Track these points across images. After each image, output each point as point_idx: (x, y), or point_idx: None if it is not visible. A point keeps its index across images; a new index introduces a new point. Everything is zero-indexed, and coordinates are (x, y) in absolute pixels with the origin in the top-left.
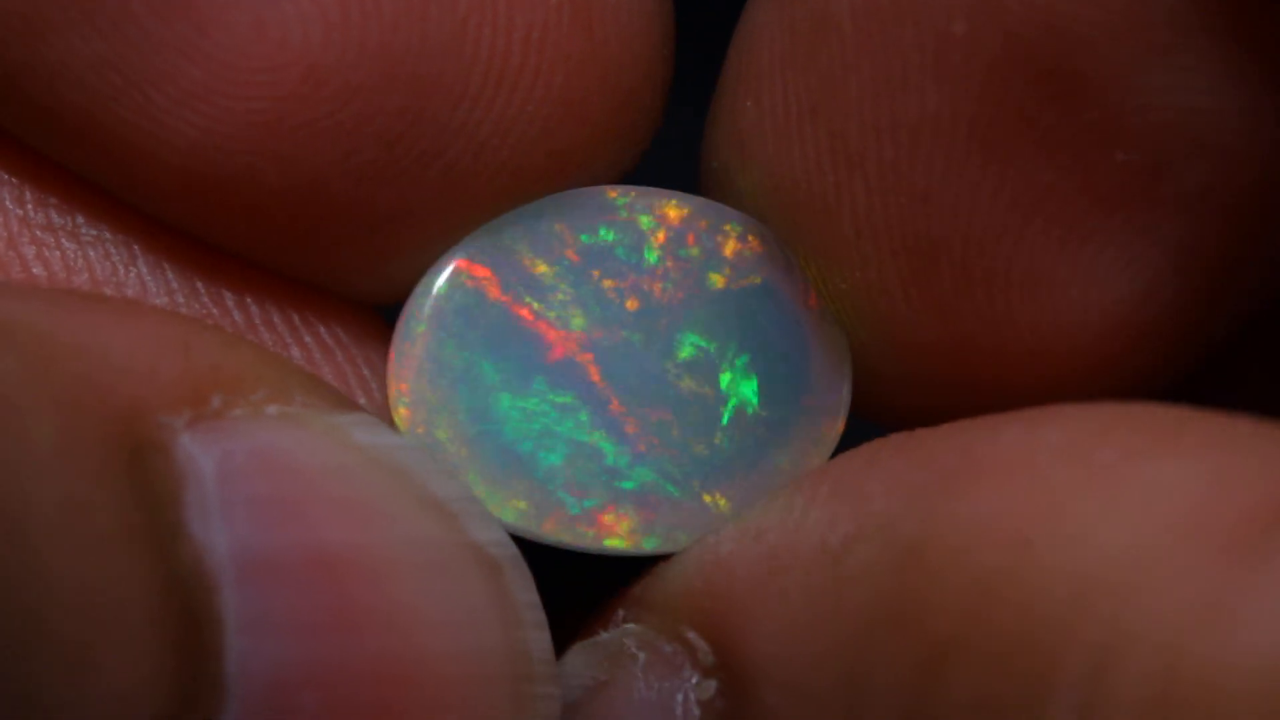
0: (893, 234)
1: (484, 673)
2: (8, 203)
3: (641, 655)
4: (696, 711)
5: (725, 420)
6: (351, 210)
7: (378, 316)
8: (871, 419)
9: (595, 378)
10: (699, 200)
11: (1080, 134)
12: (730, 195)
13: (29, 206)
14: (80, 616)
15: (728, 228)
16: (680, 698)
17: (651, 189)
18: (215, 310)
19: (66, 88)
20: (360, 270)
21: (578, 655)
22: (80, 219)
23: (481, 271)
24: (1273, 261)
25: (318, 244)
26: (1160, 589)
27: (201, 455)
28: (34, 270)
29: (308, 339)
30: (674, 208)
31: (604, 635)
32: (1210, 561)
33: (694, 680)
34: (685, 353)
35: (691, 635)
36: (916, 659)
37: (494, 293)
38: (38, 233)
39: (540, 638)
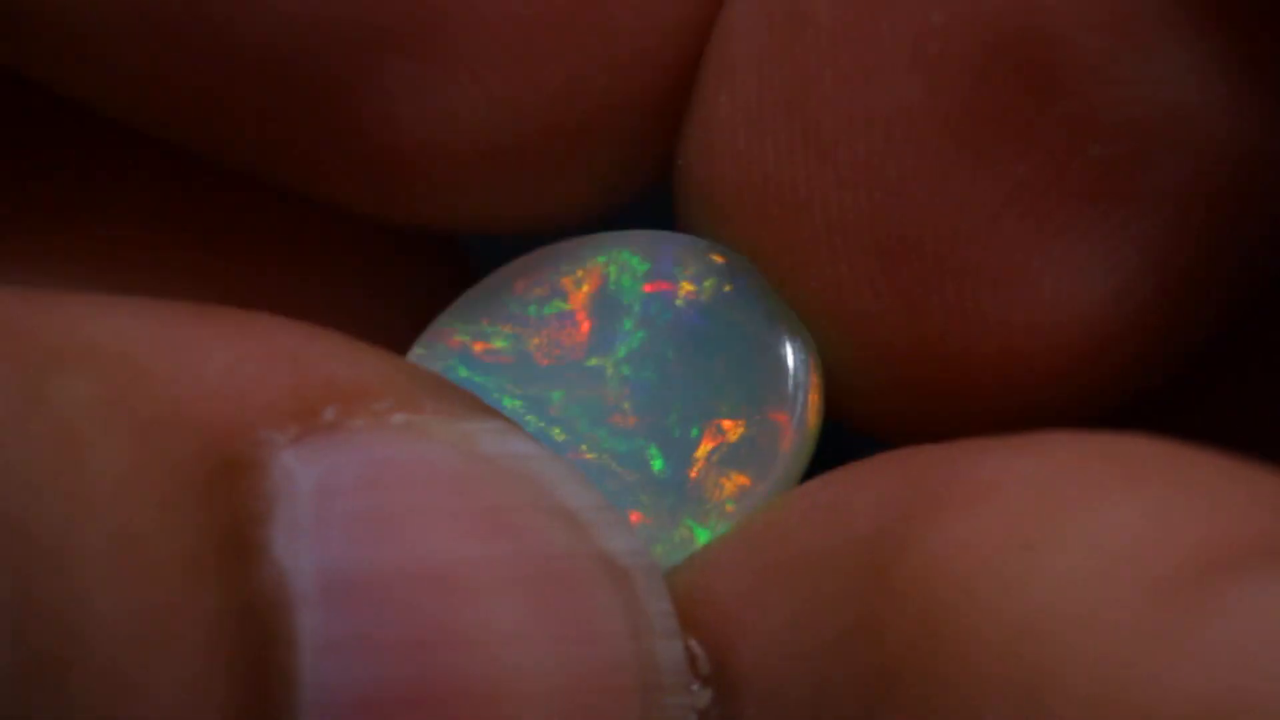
0: (864, 229)
1: (611, 685)
2: None
3: None
4: (694, 719)
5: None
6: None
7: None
8: (844, 420)
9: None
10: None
11: (1056, 127)
12: (698, 192)
13: None
14: (118, 654)
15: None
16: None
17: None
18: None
19: None
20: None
21: None
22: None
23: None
24: (1252, 264)
25: (302, 105)
26: (1097, 620)
27: (302, 471)
28: None
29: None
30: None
31: None
32: (1150, 597)
33: (694, 688)
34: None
35: (692, 642)
36: (866, 687)
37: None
38: None
39: (671, 647)
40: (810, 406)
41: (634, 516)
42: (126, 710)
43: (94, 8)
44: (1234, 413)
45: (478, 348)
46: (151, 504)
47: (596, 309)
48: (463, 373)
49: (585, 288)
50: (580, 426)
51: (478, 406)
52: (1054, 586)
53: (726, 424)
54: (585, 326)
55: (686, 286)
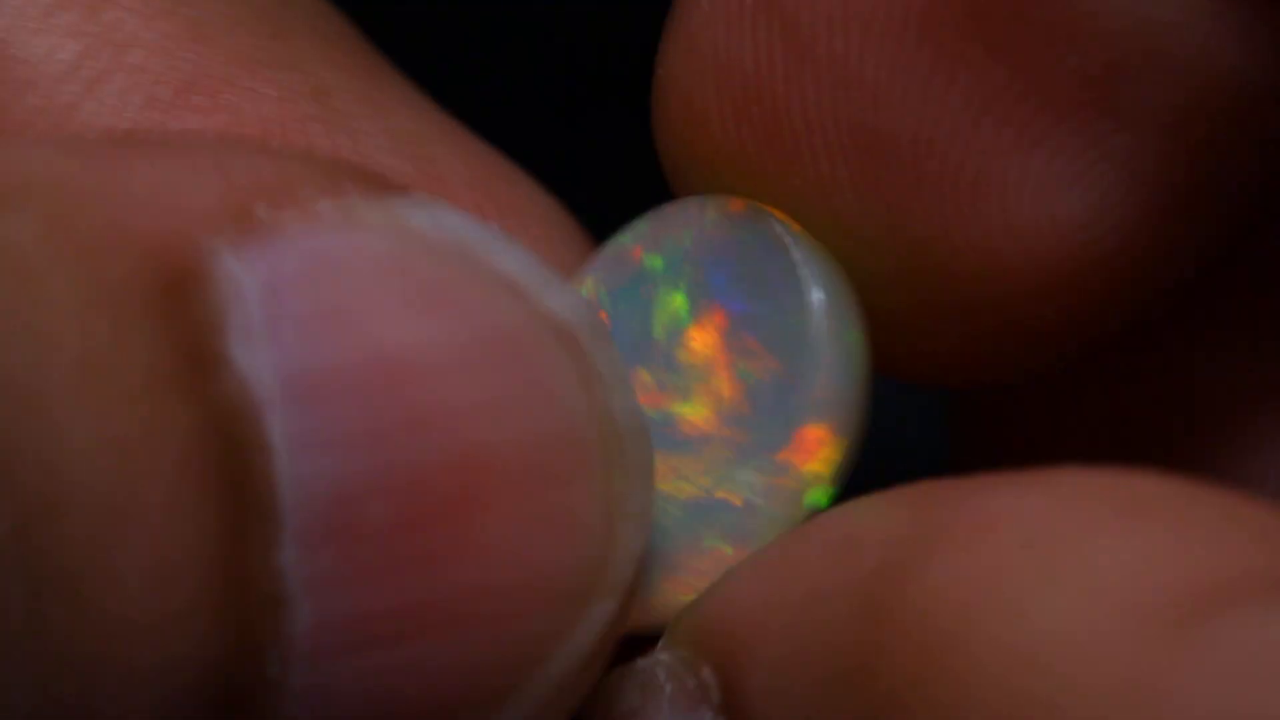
0: (842, 129)
1: (572, 443)
2: None
3: (668, 687)
4: None
5: None
6: None
7: None
8: None
9: None
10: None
11: (1034, 35)
12: (680, 100)
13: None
14: (103, 482)
15: None
16: None
17: None
18: None
19: None
20: None
21: (616, 679)
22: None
23: None
24: (1239, 189)
25: None
26: (1088, 664)
27: (246, 274)
28: None
29: None
30: None
31: (640, 662)
32: (1140, 636)
33: (707, 717)
34: None
35: (706, 672)
36: (870, 711)
37: None
38: None
39: (624, 397)
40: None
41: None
42: (116, 542)
43: None
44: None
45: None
46: (107, 327)
47: None
48: None
49: None
50: None
51: (400, 186)
52: (1051, 621)
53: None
54: None
55: None
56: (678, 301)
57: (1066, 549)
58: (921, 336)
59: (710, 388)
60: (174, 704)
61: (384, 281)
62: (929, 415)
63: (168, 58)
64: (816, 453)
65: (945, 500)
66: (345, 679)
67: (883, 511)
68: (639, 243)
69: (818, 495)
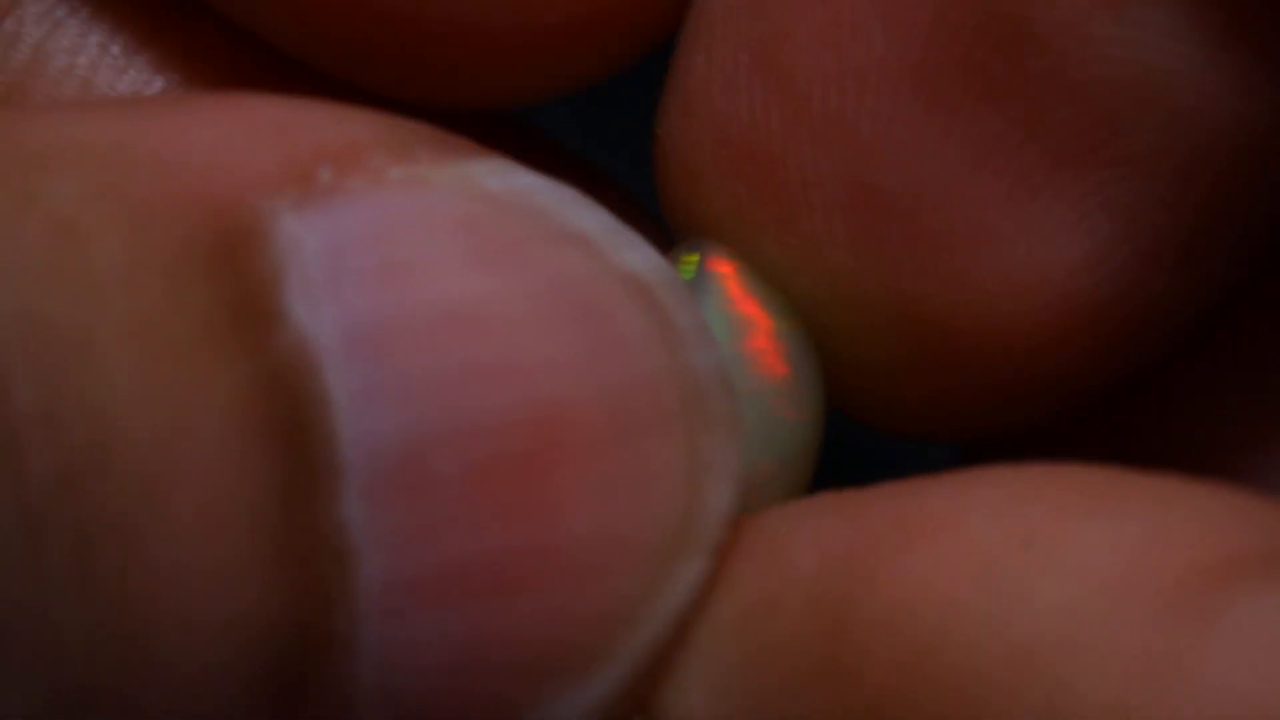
0: (839, 184)
1: (652, 399)
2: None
3: None
4: None
5: None
6: None
7: None
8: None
9: None
10: None
11: (1028, 85)
12: (678, 158)
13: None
14: (151, 431)
15: None
16: None
17: None
18: None
19: None
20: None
21: None
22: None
23: None
24: (1237, 237)
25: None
26: (1103, 648)
27: (307, 233)
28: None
29: None
30: None
31: None
32: (1154, 618)
33: None
34: None
35: None
36: (851, 710)
37: None
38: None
39: (708, 354)
40: None
41: None
42: (168, 489)
43: None
44: (1229, 391)
45: None
46: (159, 286)
47: None
48: None
49: None
50: None
51: (473, 149)
52: (1045, 617)
53: None
54: None
55: None
56: None
57: (1049, 535)
58: (917, 391)
59: None
60: (238, 658)
61: (452, 237)
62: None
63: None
64: None
65: (874, 504)
66: (418, 637)
67: (802, 521)
68: None
69: None
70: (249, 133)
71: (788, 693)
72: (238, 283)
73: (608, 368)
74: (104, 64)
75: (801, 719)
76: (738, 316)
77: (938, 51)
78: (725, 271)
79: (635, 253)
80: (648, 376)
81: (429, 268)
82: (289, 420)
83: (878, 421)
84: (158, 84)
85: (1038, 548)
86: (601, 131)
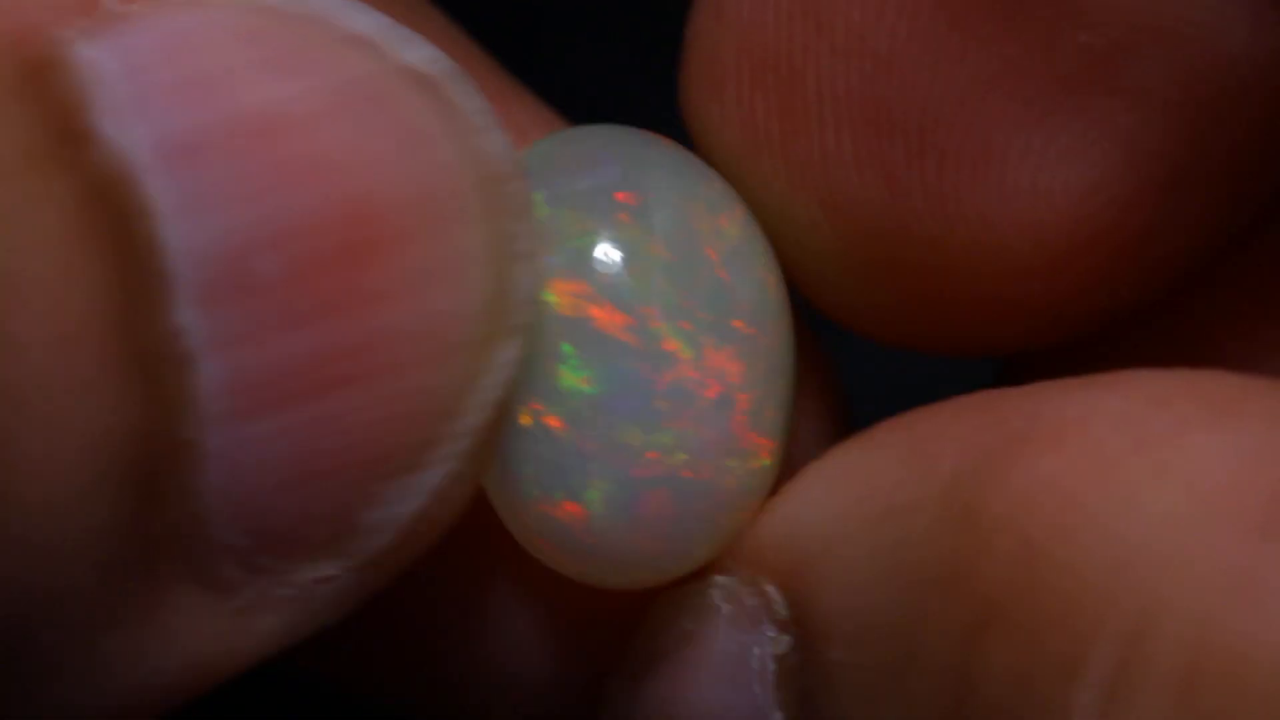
0: (853, 101)
1: (448, 186)
2: None
3: (725, 608)
4: (772, 665)
5: None
6: None
7: None
8: (826, 312)
9: None
10: None
11: (1044, 10)
12: (704, 60)
13: None
14: None
15: None
16: (756, 651)
17: None
18: None
19: None
20: None
21: (663, 606)
22: None
23: None
24: (1241, 174)
25: None
26: (1195, 560)
27: (106, 57)
28: None
29: None
30: None
31: (690, 587)
32: (1245, 534)
33: (771, 634)
34: None
35: (770, 589)
36: (961, 625)
37: None
38: None
39: (496, 138)
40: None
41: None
42: (9, 309)
43: None
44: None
45: None
46: None
47: None
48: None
49: None
50: None
51: None
52: (1150, 525)
53: None
54: None
55: None
56: None
57: (1158, 452)
58: (921, 306)
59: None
60: (95, 468)
61: (240, 48)
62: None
63: None
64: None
65: (1018, 405)
66: (261, 437)
67: (948, 420)
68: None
69: None
70: None
71: (914, 591)
72: (49, 109)
73: (405, 159)
74: None
75: (923, 619)
76: None
77: None
78: None
79: (416, 48)
80: (444, 165)
81: (224, 79)
82: (117, 233)
83: (873, 336)
84: None
85: (1153, 456)
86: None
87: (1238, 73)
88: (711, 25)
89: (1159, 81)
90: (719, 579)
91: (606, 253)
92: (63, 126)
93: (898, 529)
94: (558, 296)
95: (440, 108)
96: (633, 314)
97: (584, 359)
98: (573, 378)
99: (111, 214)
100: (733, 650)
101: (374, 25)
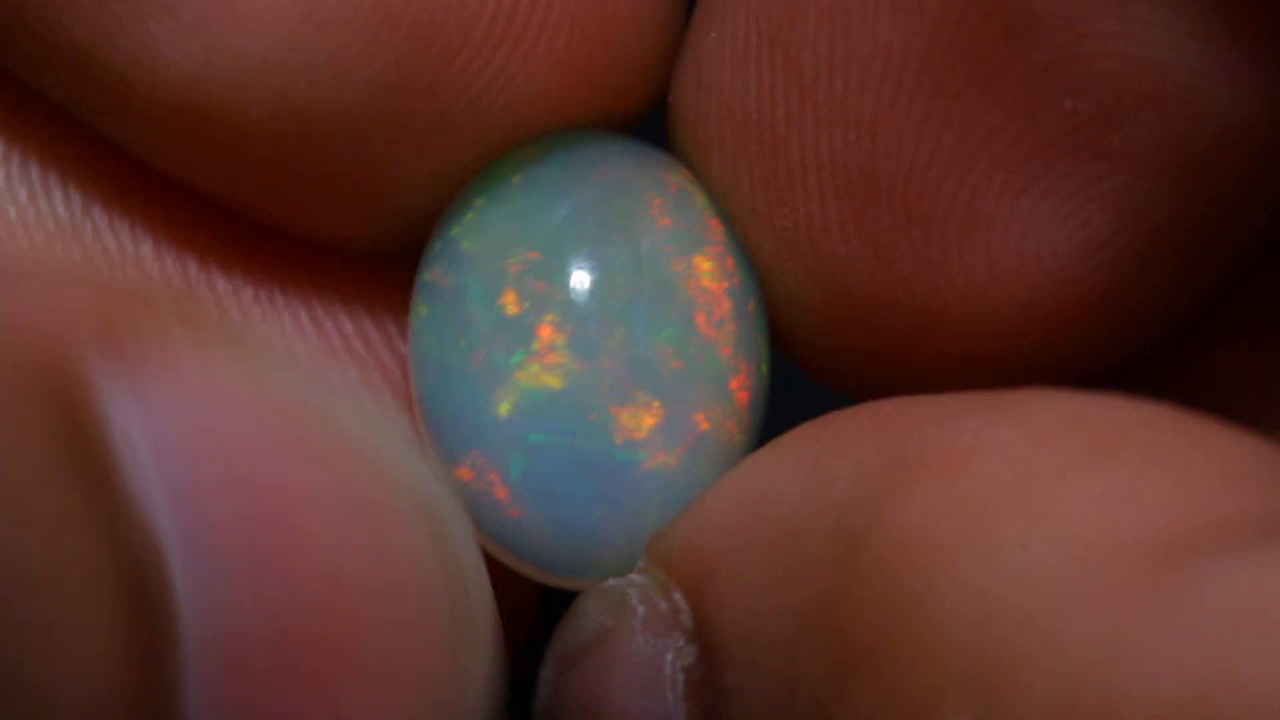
0: (837, 169)
1: (427, 621)
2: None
3: (641, 609)
4: (681, 675)
5: None
6: (338, 151)
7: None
8: (811, 373)
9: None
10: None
11: (1030, 77)
12: (686, 131)
13: (15, 173)
14: (35, 596)
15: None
16: (669, 658)
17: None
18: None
19: (71, 20)
20: (346, 215)
21: (589, 599)
22: (70, 190)
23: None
24: (1229, 232)
25: (302, 186)
26: (1063, 616)
27: (131, 413)
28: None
29: (326, 325)
30: None
31: (612, 583)
32: (1114, 588)
33: (680, 643)
34: None
35: (678, 596)
36: (830, 665)
37: None
38: (22, 206)
39: (480, 582)
40: None
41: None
42: (40, 658)
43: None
44: (1215, 381)
45: None
46: (10, 418)
47: None
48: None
49: None
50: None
51: (270, 346)
52: (1013, 581)
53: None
54: None
55: None
56: None
57: (1034, 492)
58: (907, 368)
59: None
60: None
61: (254, 431)
62: None
63: None
64: None
65: (915, 426)
66: None
67: (850, 435)
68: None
69: None
70: (80, 307)
71: (798, 623)
72: (73, 431)
73: (393, 584)
74: None
75: (800, 654)
76: None
77: (943, 41)
78: None
79: (425, 471)
80: (426, 594)
81: (245, 473)
82: (141, 603)
83: (845, 389)
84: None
85: (1028, 501)
86: None
87: (1220, 131)
88: (692, 92)
89: (1145, 144)
90: (636, 578)
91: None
92: (93, 479)
93: (791, 554)
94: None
95: (435, 538)
96: None
97: None
98: None
99: (136, 581)
100: (647, 654)
101: (390, 437)
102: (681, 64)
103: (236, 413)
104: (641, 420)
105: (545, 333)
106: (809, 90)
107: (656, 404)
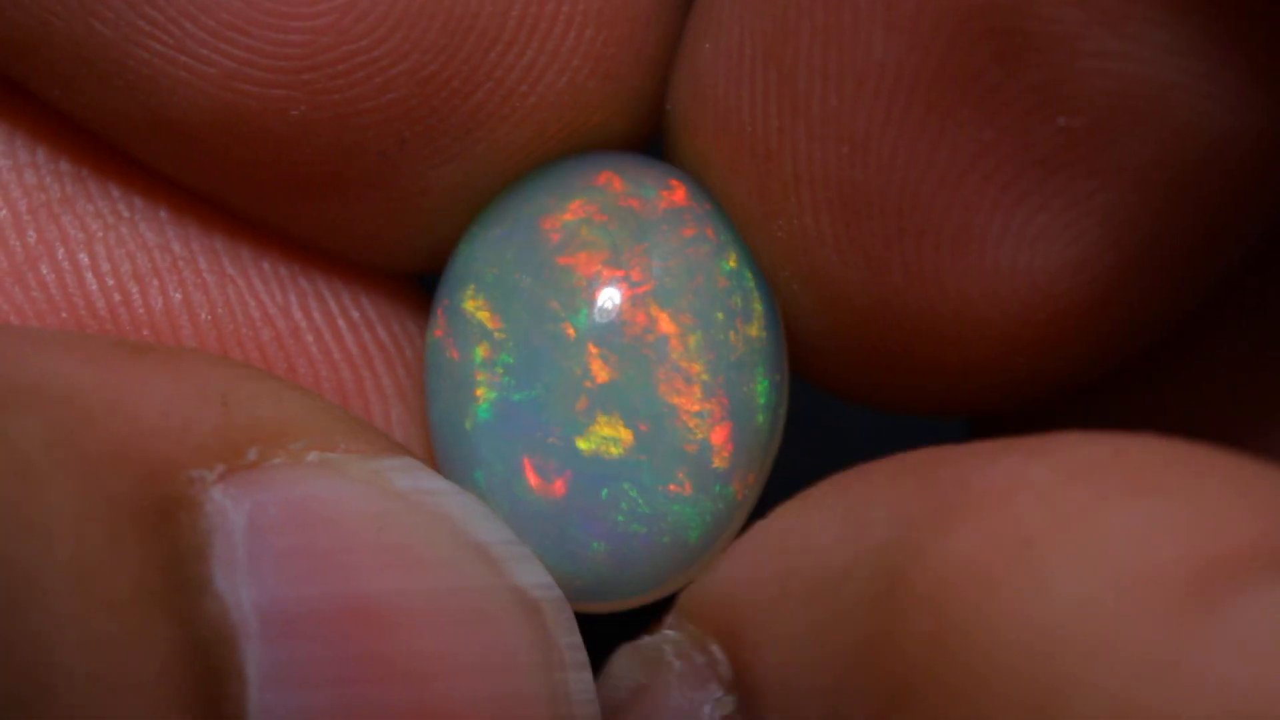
0: (830, 183)
1: (524, 716)
2: (27, 177)
3: (677, 664)
4: None
5: None
6: (376, 152)
7: (414, 284)
8: (806, 377)
9: None
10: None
11: (1023, 95)
12: (683, 139)
13: (47, 176)
14: (90, 677)
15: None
16: (707, 709)
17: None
18: (250, 287)
19: (102, 24)
20: (382, 223)
21: (623, 657)
22: (113, 189)
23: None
24: (1219, 251)
25: (339, 193)
26: (1111, 642)
27: (233, 508)
28: (58, 256)
29: (354, 313)
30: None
31: (646, 640)
32: (1160, 614)
33: (718, 694)
34: None
35: (714, 648)
36: (878, 699)
37: None
38: (56, 208)
39: (581, 679)
40: None
41: None
42: None
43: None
44: (1201, 389)
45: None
46: (102, 536)
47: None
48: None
49: None
50: None
51: (389, 445)
52: (1062, 606)
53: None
54: None
55: None
56: None
57: (1074, 527)
58: (900, 373)
59: None
60: None
61: (364, 531)
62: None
63: None
64: None
65: (949, 471)
66: None
67: (885, 482)
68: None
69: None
70: (197, 397)
71: (842, 663)
72: (170, 546)
73: (491, 678)
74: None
75: (846, 690)
76: None
77: (936, 60)
78: None
79: (529, 571)
80: (525, 691)
81: (341, 559)
82: (209, 688)
83: (842, 393)
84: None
85: (1071, 533)
86: None
87: (1210, 146)
88: (688, 101)
89: (1136, 160)
90: (670, 634)
91: None
92: (180, 569)
93: (830, 600)
94: None
95: (538, 637)
96: None
97: None
98: None
99: (206, 667)
100: (684, 707)
101: (496, 538)
102: (678, 72)
103: (342, 516)
104: None
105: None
106: (802, 104)
107: None
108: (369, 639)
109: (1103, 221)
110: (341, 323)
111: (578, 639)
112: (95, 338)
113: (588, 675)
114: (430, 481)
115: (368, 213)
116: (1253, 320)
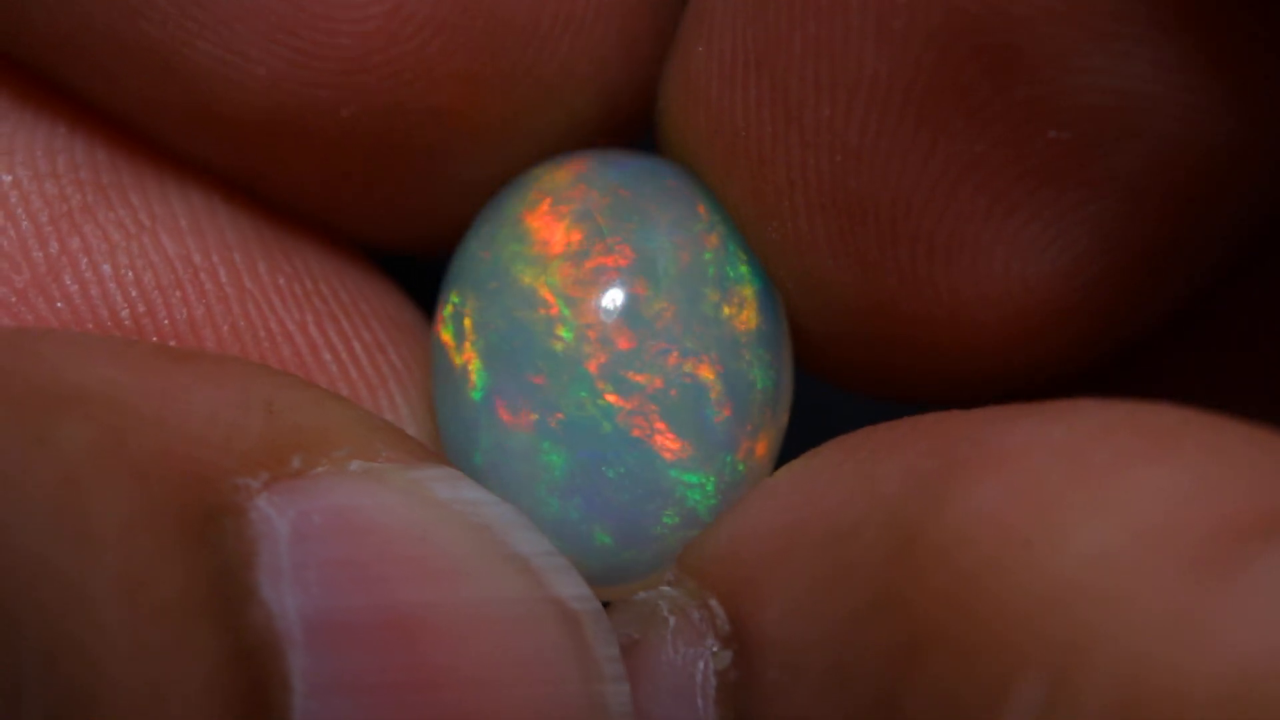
0: (823, 188)
1: None
2: (48, 187)
3: (671, 620)
4: (714, 681)
5: None
6: (423, 150)
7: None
8: (806, 367)
9: None
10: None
11: (1014, 109)
12: (676, 137)
13: (68, 186)
14: (136, 686)
15: None
16: (701, 665)
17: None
18: (269, 303)
19: (149, 25)
20: (424, 212)
21: (617, 613)
22: (132, 197)
23: None
24: (1204, 255)
25: (384, 190)
26: (1132, 596)
27: (277, 516)
28: (81, 266)
29: (366, 335)
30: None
31: (641, 595)
32: (1182, 571)
33: (714, 649)
34: None
35: (714, 603)
36: (893, 647)
37: None
38: (78, 218)
39: (619, 690)
40: None
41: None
42: None
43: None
44: (1191, 387)
45: None
46: (148, 544)
47: None
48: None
49: None
50: None
51: (428, 454)
52: (1083, 560)
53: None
54: None
55: None
56: None
57: (1096, 483)
58: (894, 369)
59: None
60: None
61: (406, 541)
62: None
63: None
64: None
65: (963, 431)
66: None
67: (896, 442)
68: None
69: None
70: (241, 405)
71: (852, 614)
72: (216, 555)
73: (530, 690)
74: None
75: (857, 642)
76: None
77: (928, 73)
78: None
79: (568, 583)
80: (563, 703)
81: (381, 570)
82: (254, 697)
83: (842, 384)
84: None
85: (1091, 489)
86: None
87: (1200, 157)
88: (682, 100)
89: (1127, 171)
90: (666, 590)
91: None
92: (226, 577)
93: (840, 554)
94: None
95: (577, 647)
96: None
97: None
98: None
99: (253, 676)
100: (678, 663)
101: (535, 548)
102: (670, 72)
103: (384, 525)
104: None
105: None
106: (795, 112)
107: None
108: (410, 649)
109: (1093, 230)
110: (357, 345)
111: (616, 651)
112: (138, 343)
113: (626, 687)
114: (471, 491)
115: (411, 204)
116: (1241, 318)
